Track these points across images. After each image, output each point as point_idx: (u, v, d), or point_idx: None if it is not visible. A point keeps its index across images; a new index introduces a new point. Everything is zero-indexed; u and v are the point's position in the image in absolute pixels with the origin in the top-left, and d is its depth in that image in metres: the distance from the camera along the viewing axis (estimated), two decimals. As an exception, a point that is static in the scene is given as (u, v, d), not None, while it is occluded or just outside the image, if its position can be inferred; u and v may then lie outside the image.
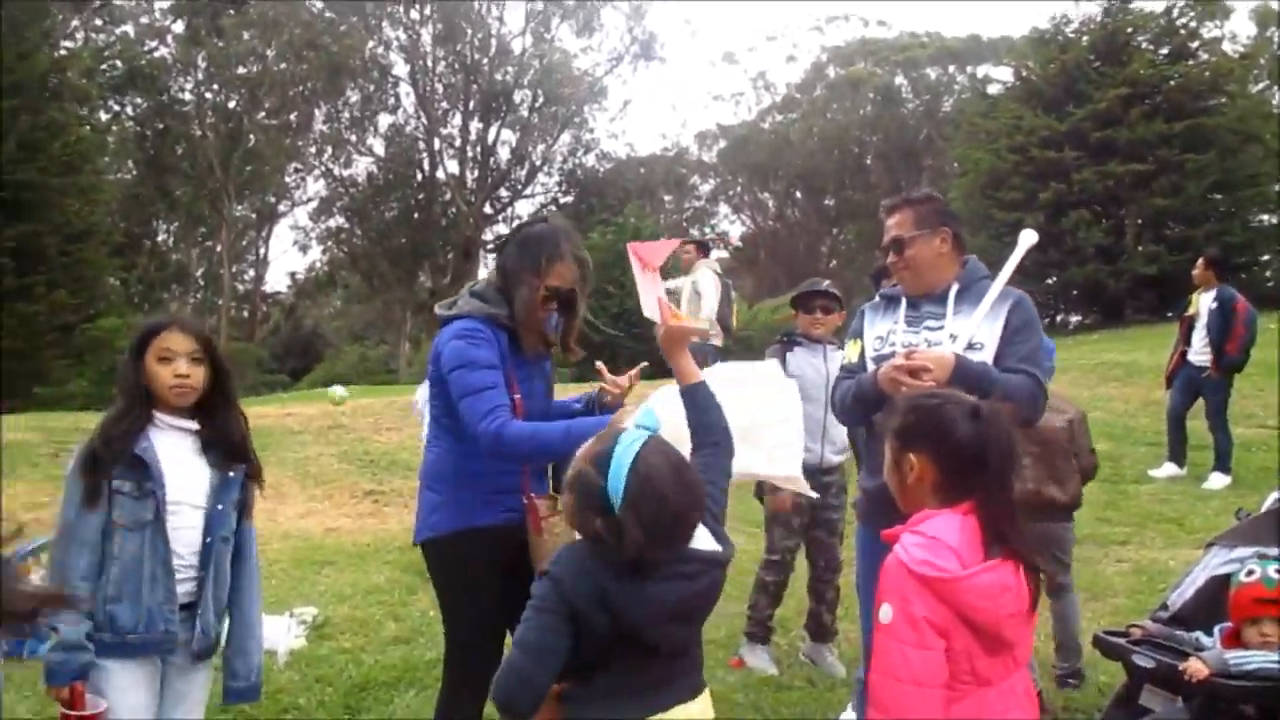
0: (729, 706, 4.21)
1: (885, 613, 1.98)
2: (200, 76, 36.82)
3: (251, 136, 36.84)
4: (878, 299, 3.36)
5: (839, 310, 4.76)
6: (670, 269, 26.82)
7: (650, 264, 2.68)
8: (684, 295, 9.66)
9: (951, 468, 2.06)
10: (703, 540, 2.09)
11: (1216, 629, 2.95)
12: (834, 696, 4.30)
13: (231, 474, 2.69)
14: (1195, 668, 2.68)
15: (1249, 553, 3.13)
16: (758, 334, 24.36)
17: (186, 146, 36.82)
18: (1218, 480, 8.27)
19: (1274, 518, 3.27)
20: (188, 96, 37.04)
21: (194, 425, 2.68)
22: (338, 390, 13.28)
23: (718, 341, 9.56)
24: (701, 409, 2.36)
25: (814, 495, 3.55)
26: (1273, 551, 3.06)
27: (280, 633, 4.76)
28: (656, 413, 2.15)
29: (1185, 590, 3.26)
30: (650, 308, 2.54)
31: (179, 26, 36.87)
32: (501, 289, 2.98)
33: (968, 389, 2.71)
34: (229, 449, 2.71)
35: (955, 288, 3.12)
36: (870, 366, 3.14)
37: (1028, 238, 3.24)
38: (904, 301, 3.21)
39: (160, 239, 39.44)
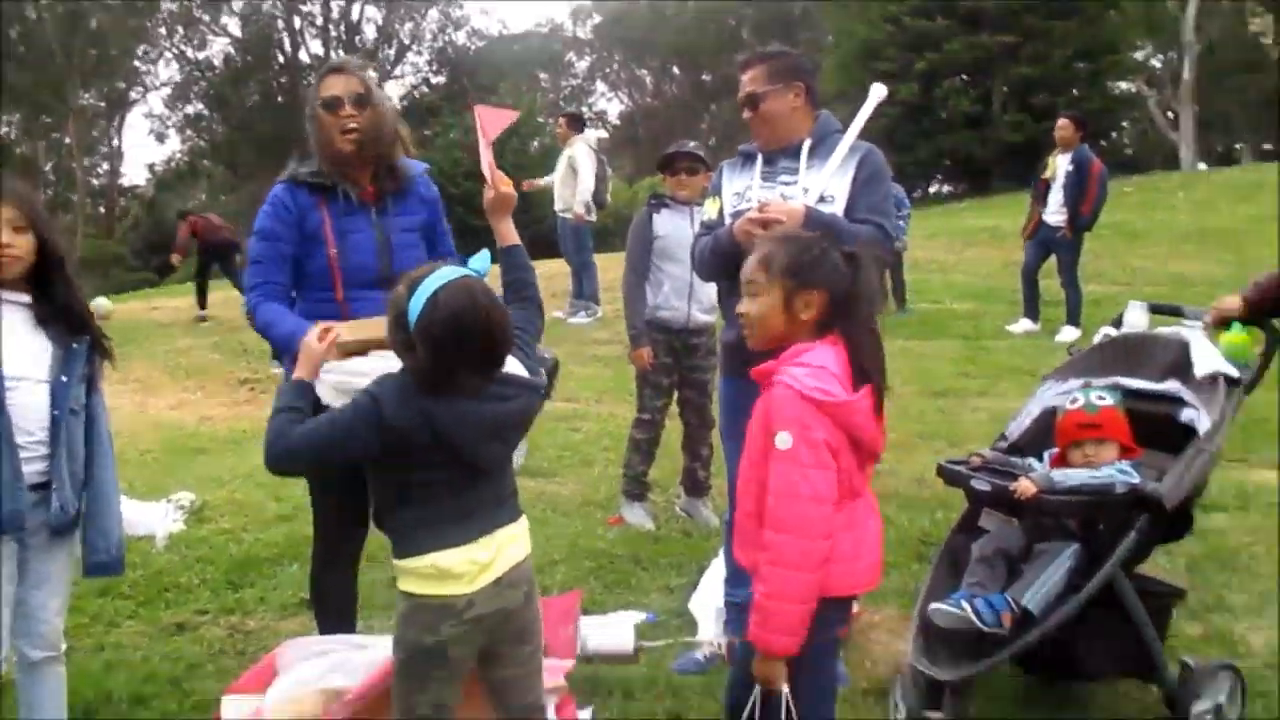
0: (609, 560, 4.39)
1: (784, 439, 2.10)
2: (31, -49, 34.07)
3: (94, 18, 34.39)
4: (736, 156, 3.40)
5: (704, 171, 4.81)
6: (550, 145, 26.35)
7: (488, 130, 2.70)
8: (559, 170, 9.60)
9: (835, 304, 2.22)
10: (519, 367, 2.28)
11: (1046, 454, 3.18)
12: (709, 545, 4.50)
13: (75, 345, 2.59)
14: (1024, 486, 2.89)
15: (1077, 384, 3.37)
16: (637, 211, 24.39)
17: (21, 29, 34.18)
18: (1069, 333, 8.73)
19: (1098, 351, 3.50)
20: (18, -27, 34.29)
21: (26, 298, 2.56)
22: (102, 302, 11.78)
23: (592, 218, 9.57)
24: (518, 268, 2.58)
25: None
26: (1097, 381, 3.30)
27: (157, 518, 4.73)
28: (483, 262, 2.30)
29: (1022, 421, 3.49)
30: (485, 169, 2.61)
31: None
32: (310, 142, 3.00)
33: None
34: (69, 320, 2.61)
35: (808, 142, 3.19)
36: (729, 222, 3.20)
37: (877, 92, 3.32)
38: (760, 157, 3.26)
39: (2, 133, 36.86)
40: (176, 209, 13.47)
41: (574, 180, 9.26)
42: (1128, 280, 11.48)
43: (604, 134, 42.87)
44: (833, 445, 2.12)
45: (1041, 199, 8.88)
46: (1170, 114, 31.34)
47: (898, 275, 10.20)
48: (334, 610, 3.10)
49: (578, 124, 9.69)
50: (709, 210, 3.39)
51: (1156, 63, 33.19)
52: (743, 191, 3.25)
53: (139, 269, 32.72)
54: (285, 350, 2.85)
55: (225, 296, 12.22)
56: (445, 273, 2.13)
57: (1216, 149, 35.98)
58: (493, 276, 2.25)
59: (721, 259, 3.12)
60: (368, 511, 2.34)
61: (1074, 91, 24.30)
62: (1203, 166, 30.95)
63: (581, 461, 5.86)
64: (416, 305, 2.08)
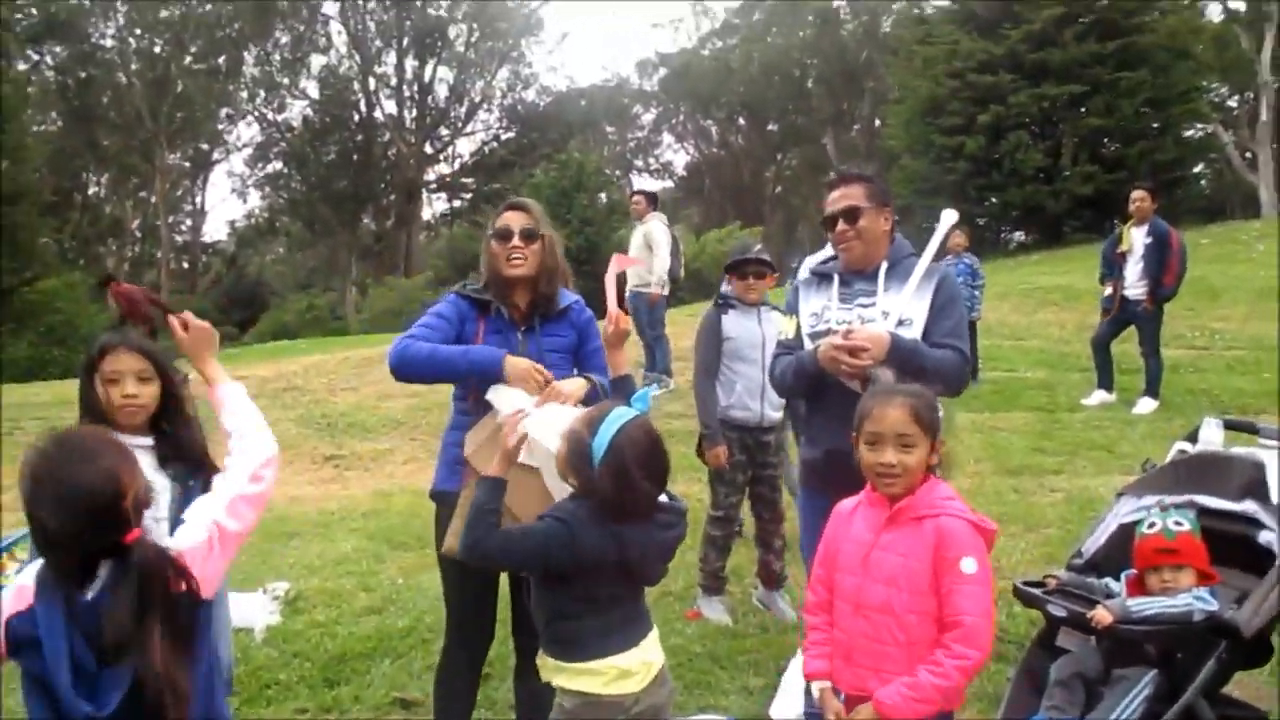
0: (688, 657, 4.47)
1: (970, 564, 2.38)
2: (121, 21, 35.73)
3: (180, 82, 35.90)
4: (809, 275, 3.50)
5: (771, 274, 4.95)
6: (617, 201, 26.60)
7: (613, 272, 3.11)
8: (634, 244, 9.82)
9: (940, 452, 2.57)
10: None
11: (1123, 575, 3.22)
12: (786, 641, 4.56)
13: (192, 482, 2.75)
14: (1100, 616, 2.96)
15: (1152, 501, 3.42)
16: (706, 266, 24.51)
17: (112, 95, 35.86)
18: (1146, 405, 8.64)
19: (1173, 468, 3.54)
20: (109, 43, 35.99)
21: (149, 441, 2.73)
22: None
23: (666, 293, 9.76)
24: (628, 396, 2.83)
25: None
26: (1172, 500, 3.34)
27: (255, 609, 4.94)
28: (643, 402, 2.63)
29: (1098, 537, 3.54)
30: (611, 305, 3.03)
31: (96, -29, 35.62)
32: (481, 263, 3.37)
33: (902, 364, 2.97)
34: (188, 460, 2.78)
35: (885, 265, 3.27)
36: (807, 342, 3.29)
37: (949, 217, 3.41)
38: (836, 278, 3.34)
39: (92, 193, 38.52)
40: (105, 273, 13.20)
41: (649, 256, 9.46)
42: (1205, 344, 11.31)
43: (669, 184, 43.49)
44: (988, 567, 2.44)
45: (1120, 272, 8.77)
46: (1248, 155, 30.75)
47: (972, 345, 10.18)
48: (457, 713, 3.31)
49: (653, 201, 9.96)
50: (786, 328, 3.46)
51: (1233, 103, 32.66)
52: (820, 312, 3.32)
53: (221, 323, 33.66)
54: (461, 366, 3.10)
55: (306, 365, 12.62)
56: (621, 413, 2.49)
57: (1298, 190, 35.11)
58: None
59: (805, 381, 3.23)
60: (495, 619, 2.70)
61: (1146, 140, 23.94)
62: (1285, 209, 30.26)
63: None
64: (601, 443, 2.42)
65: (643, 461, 2.41)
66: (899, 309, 3.17)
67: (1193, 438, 3.64)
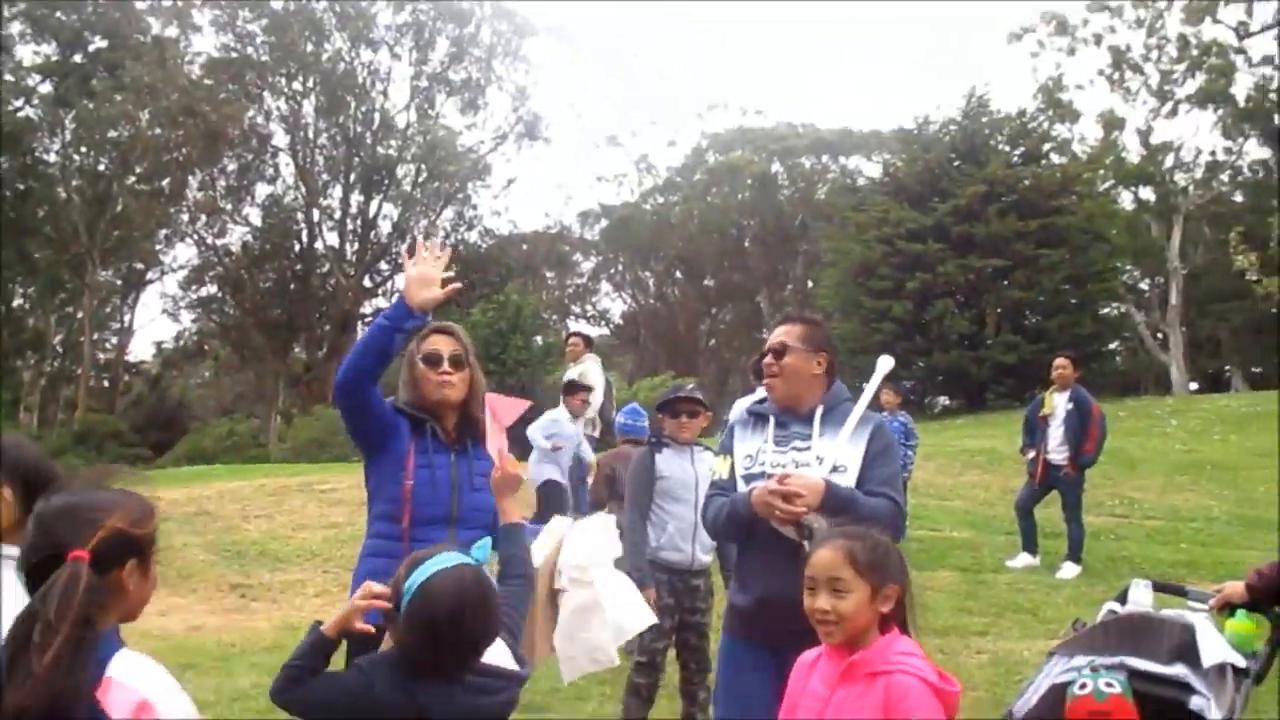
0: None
1: None
2: (68, 138, 35.75)
3: (120, 201, 35.77)
4: (746, 415, 3.45)
5: (704, 413, 4.93)
6: (552, 343, 26.77)
7: (501, 418, 2.99)
8: (599, 388, 9.84)
9: (904, 601, 2.39)
10: (503, 659, 2.35)
11: (1055, 739, 3.13)
12: (705, 801, 4.35)
13: None
14: (1033, 780, 2.86)
15: (1084, 662, 3.35)
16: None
17: (49, 209, 35.51)
18: (1070, 570, 8.69)
19: (1103, 629, 3.50)
20: (53, 158, 35.86)
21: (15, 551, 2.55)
22: None
23: (596, 434, 9.70)
24: (516, 545, 2.75)
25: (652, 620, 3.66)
26: (1103, 661, 3.29)
27: (137, 746, 4.57)
28: (482, 552, 2.42)
29: (1030, 699, 3.44)
30: (494, 452, 2.89)
31: (46, 87, 35.81)
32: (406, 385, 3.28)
33: (836, 512, 2.91)
34: None
35: (820, 409, 3.26)
36: (740, 484, 3.23)
37: (884, 364, 3.44)
38: (772, 420, 3.31)
39: (16, 304, 37.65)
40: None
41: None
42: (1125, 512, 11.52)
43: (605, 331, 44.06)
44: None
45: (1042, 436, 8.95)
46: (1160, 335, 32.22)
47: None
48: None
49: (589, 343, 10.12)
50: (719, 469, 3.39)
51: (1145, 286, 34.39)
52: (755, 454, 3.27)
53: (136, 444, 32.76)
54: (360, 346, 3.07)
55: (221, 490, 12.21)
56: (442, 559, 2.25)
57: (1208, 370, 36.75)
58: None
59: (738, 524, 3.16)
60: None
61: (1065, 314, 25.01)
62: (1194, 387, 31.56)
63: (576, 696, 5.72)
64: (410, 587, 2.19)
65: (451, 615, 2.16)
66: (834, 455, 3.14)
67: (1122, 599, 3.62)
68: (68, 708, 1.66)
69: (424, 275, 3.01)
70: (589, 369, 9.64)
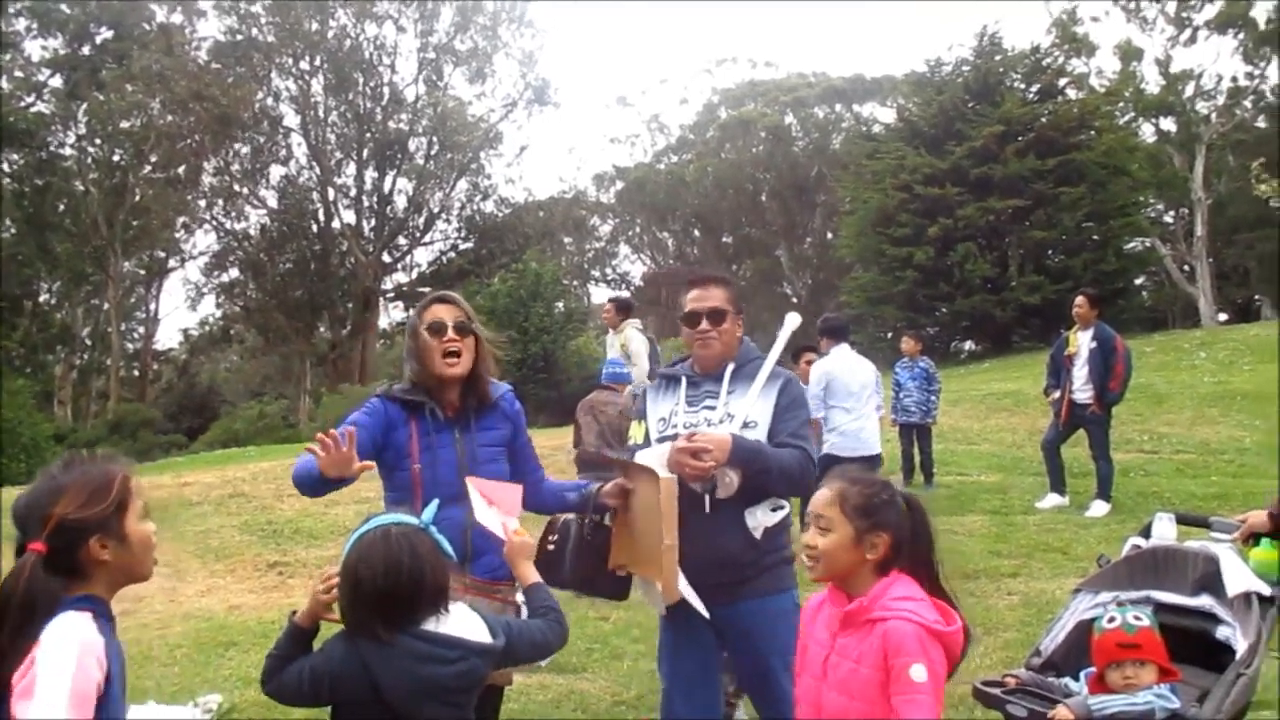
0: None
1: (919, 672, 2.21)
2: (82, 131, 35.92)
3: (137, 191, 35.97)
4: (658, 380, 3.48)
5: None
6: (573, 308, 26.62)
7: (499, 505, 2.89)
8: (611, 353, 9.66)
9: (898, 548, 2.38)
10: (472, 631, 2.32)
11: (1083, 674, 3.15)
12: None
13: None
14: (1061, 715, 2.88)
15: (1109, 597, 3.37)
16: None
17: (69, 203, 35.77)
18: (1099, 508, 8.66)
19: (1127, 563, 3.52)
20: (68, 152, 36.06)
21: None
22: None
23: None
24: (540, 605, 2.66)
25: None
26: (1129, 596, 3.31)
27: (185, 724, 4.70)
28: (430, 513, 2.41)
29: (1056, 636, 3.48)
30: (498, 530, 2.80)
31: (57, 81, 35.95)
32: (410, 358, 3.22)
33: (745, 464, 2.99)
34: None
35: (731, 367, 3.29)
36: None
37: (792, 320, 3.45)
38: (684, 381, 3.33)
39: (42, 299, 38.05)
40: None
41: (630, 365, 9.29)
42: (1154, 448, 11.45)
43: (625, 295, 43.72)
44: (941, 674, 2.27)
45: (1067, 375, 8.88)
46: (1186, 268, 31.82)
47: (926, 450, 10.22)
48: None
49: (626, 309, 9.71)
50: (635, 434, 3.42)
51: (1169, 219, 33.92)
52: (668, 416, 3.31)
53: (170, 431, 33.20)
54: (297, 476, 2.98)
55: (254, 471, 12.36)
56: (378, 519, 2.31)
57: (1236, 300, 36.30)
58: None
59: None
60: None
61: (1088, 252, 24.71)
62: (1223, 318, 31.21)
63: (611, 655, 5.79)
64: (346, 546, 2.28)
65: (372, 569, 2.19)
66: (743, 411, 3.18)
67: (1146, 533, 3.63)
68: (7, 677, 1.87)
69: (333, 460, 2.82)
70: (630, 336, 9.34)
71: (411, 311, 3.28)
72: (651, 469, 3.00)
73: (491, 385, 3.26)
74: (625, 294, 11.33)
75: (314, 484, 2.92)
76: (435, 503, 2.49)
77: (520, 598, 3.27)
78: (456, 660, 2.24)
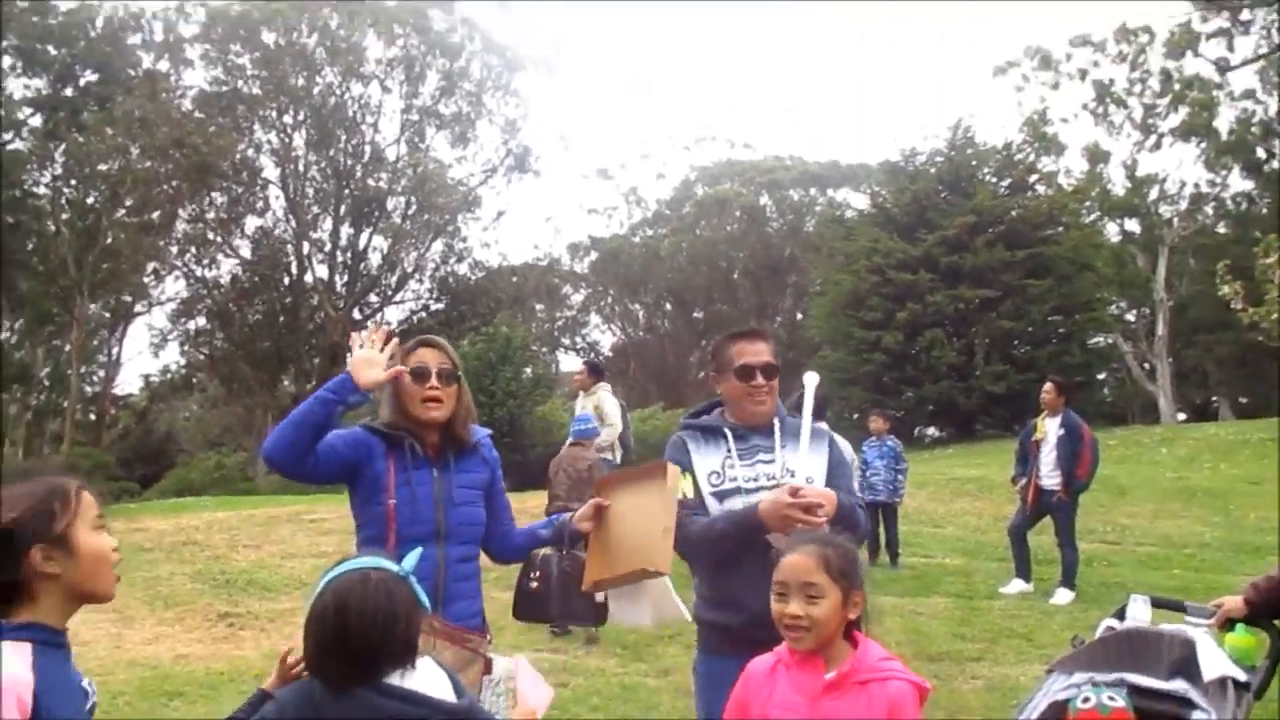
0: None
1: None
2: (58, 171, 35.73)
3: (109, 234, 35.70)
4: (694, 431, 3.34)
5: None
6: (541, 374, 26.57)
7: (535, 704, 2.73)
8: (613, 419, 9.65)
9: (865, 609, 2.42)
10: (437, 688, 2.18)
11: (1057, 755, 3.10)
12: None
13: None
14: (1036, 795, 2.83)
15: (1083, 678, 3.33)
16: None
17: (38, 242, 35.43)
18: (1063, 595, 8.67)
19: (1101, 645, 3.48)
20: (43, 191, 35.81)
21: None
22: None
23: (617, 460, 9.61)
24: None
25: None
26: (1103, 677, 3.27)
27: (124, 774, 4.51)
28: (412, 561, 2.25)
29: (1029, 716, 3.42)
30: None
31: (36, 120, 35.85)
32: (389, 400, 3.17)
33: (843, 520, 2.94)
34: None
35: (778, 422, 3.26)
36: (711, 502, 3.15)
37: (811, 379, 3.37)
38: (729, 433, 3.25)
39: (3, 337, 37.43)
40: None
41: (600, 426, 9.31)
42: (1116, 539, 11.52)
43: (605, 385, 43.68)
44: None
45: (1034, 461, 8.95)
46: (1147, 365, 32.36)
47: (892, 530, 10.21)
48: None
49: (598, 372, 9.79)
50: (681, 486, 3.19)
51: (1131, 317, 34.59)
52: (720, 469, 3.20)
53: (124, 478, 32.49)
54: (294, 418, 2.95)
55: (209, 520, 12.11)
56: (354, 562, 2.17)
57: (1195, 400, 36.88)
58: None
59: (737, 541, 3.03)
60: None
61: (1053, 344, 25.12)
62: (1182, 417, 31.67)
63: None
64: (319, 583, 2.13)
65: (339, 613, 2.04)
66: (801, 467, 3.14)
67: (1120, 614, 3.61)
68: None
69: (369, 357, 3.00)
70: (603, 398, 9.41)
71: (394, 354, 3.20)
72: (658, 463, 3.04)
73: (471, 430, 3.21)
74: (597, 359, 11.37)
75: (326, 407, 2.90)
76: (418, 551, 2.34)
77: (490, 651, 3.21)
78: (418, 717, 2.09)
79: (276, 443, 2.94)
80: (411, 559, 2.26)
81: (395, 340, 3.10)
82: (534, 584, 3.24)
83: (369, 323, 39.19)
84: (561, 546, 3.22)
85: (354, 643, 2.05)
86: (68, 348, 36.89)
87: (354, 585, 2.10)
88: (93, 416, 39.79)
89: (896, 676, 2.28)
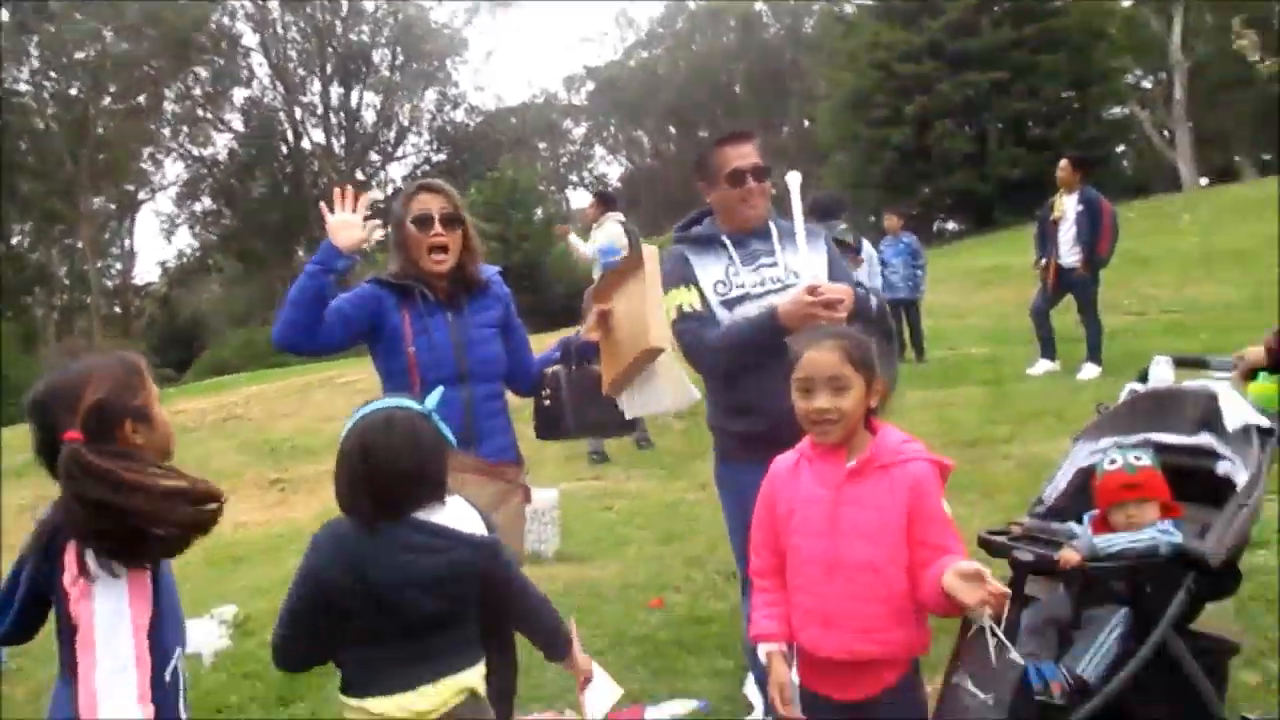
0: (654, 645, 4.38)
1: (946, 506, 2.30)
2: (35, 65, 34.91)
3: (99, 124, 35.14)
4: (689, 243, 3.28)
5: None
6: (553, 214, 26.29)
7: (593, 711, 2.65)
8: (591, 249, 9.52)
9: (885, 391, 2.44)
10: (466, 524, 2.25)
11: (1086, 516, 3.18)
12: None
13: None
14: (1067, 556, 2.91)
15: (1109, 442, 3.39)
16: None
17: (30, 141, 34.97)
18: (1090, 371, 8.72)
19: (1127, 407, 3.52)
20: (24, 88, 35.10)
21: None
22: None
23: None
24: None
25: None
26: (1129, 440, 3.32)
27: (202, 635, 4.75)
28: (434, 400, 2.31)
29: (1058, 484, 3.50)
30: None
31: (4, 14, 34.78)
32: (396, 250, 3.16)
33: (862, 312, 2.97)
34: None
35: (773, 227, 3.22)
36: (721, 311, 3.13)
37: (794, 179, 3.26)
38: (728, 241, 3.20)
39: (15, 241, 37.47)
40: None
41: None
42: (1141, 309, 11.50)
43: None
44: None
45: (1053, 240, 8.86)
46: (1166, 133, 31.53)
47: (916, 325, 10.23)
48: None
49: (607, 201, 9.54)
50: (687, 299, 3.18)
51: (1148, 84, 33.48)
52: (726, 278, 3.17)
53: (158, 365, 32.96)
54: (295, 291, 2.96)
55: (246, 395, 12.35)
56: (380, 402, 2.24)
57: (1216, 164, 36.10)
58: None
59: (756, 347, 3.01)
60: None
61: (1068, 121, 24.45)
62: (1204, 182, 31.07)
63: (618, 541, 5.87)
64: (345, 426, 2.19)
65: (364, 449, 2.11)
66: (805, 268, 3.09)
67: (1143, 377, 3.63)
68: None
69: (345, 220, 2.95)
70: (609, 229, 9.22)
71: (396, 199, 3.17)
72: (635, 254, 3.09)
73: (480, 268, 3.19)
74: (607, 189, 11.19)
75: (318, 279, 2.90)
76: (440, 390, 2.41)
77: (528, 479, 3.29)
78: (448, 549, 2.16)
79: (282, 327, 2.96)
80: (434, 397, 2.32)
81: (366, 195, 3.04)
82: (546, 401, 3.25)
83: (372, 183, 38.87)
84: (569, 362, 3.24)
85: (381, 479, 2.13)
86: (80, 244, 36.92)
87: (378, 424, 2.17)
88: (117, 309, 40.23)
89: (916, 458, 2.31)
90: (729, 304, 3.14)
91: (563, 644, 2.45)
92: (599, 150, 47.47)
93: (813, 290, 2.90)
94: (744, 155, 3.21)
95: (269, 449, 9.47)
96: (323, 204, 3.03)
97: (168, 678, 1.95)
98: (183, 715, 2.02)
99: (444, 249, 3.06)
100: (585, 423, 3.25)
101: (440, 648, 2.21)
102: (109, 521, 1.82)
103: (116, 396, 1.94)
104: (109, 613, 1.83)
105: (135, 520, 1.84)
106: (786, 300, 2.97)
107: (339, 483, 2.18)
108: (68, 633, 1.86)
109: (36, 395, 1.96)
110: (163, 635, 1.94)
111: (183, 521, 1.89)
